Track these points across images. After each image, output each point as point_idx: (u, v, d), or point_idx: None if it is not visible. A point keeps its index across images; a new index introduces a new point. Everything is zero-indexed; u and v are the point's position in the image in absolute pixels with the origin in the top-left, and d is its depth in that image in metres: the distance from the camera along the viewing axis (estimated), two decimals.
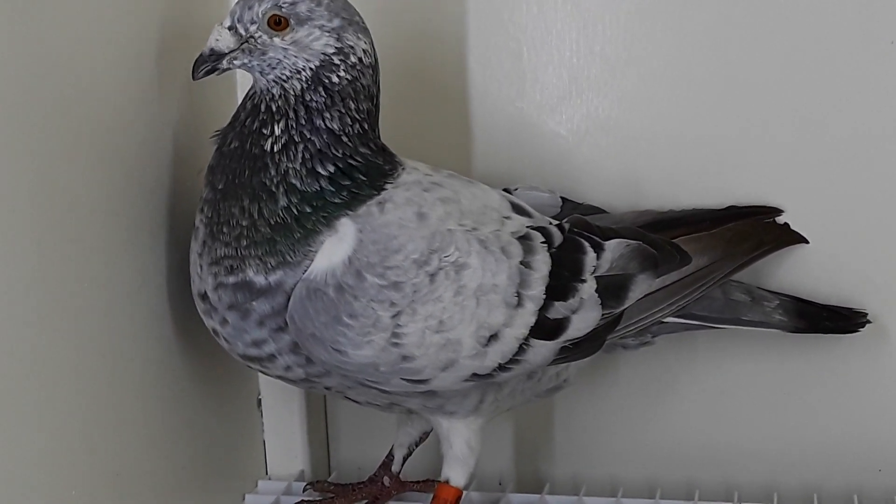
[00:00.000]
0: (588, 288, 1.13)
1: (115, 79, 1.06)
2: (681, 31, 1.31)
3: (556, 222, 1.18)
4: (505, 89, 1.35)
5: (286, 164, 1.07)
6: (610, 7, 1.31)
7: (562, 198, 1.27)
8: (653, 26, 1.31)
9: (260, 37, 1.07)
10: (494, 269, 1.09)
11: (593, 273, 1.14)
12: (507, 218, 1.15)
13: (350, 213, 1.07)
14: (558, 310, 1.12)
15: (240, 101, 1.12)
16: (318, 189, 1.07)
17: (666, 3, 1.31)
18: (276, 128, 1.07)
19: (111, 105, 1.05)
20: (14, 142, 0.90)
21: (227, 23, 1.07)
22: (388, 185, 1.10)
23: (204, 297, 1.10)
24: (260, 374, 1.25)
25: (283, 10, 1.06)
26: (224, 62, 1.07)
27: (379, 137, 1.12)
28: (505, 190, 1.23)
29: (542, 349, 1.12)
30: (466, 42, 1.34)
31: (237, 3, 1.08)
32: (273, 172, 1.07)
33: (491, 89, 1.35)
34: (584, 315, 1.13)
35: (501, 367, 1.11)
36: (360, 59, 1.08)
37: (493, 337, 1.09)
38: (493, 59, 1.34)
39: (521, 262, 1.10)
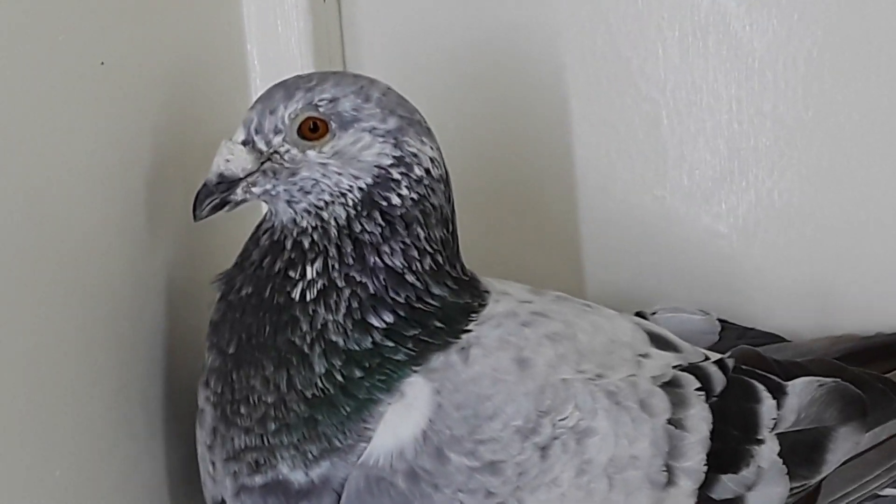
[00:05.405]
0: (768, 451, 1.10)
1: (100, 212, 1.05)
2: (887, 78, 1.30)
3: (716, 357, 1.15)
4: (637, 172, 1.33)
5: (324, 317, 1.03)
6: (784, 48, 1.30)
7: (720, 321, 1.26)
8: (848, 74, 1.30)
9: (287, 151, 1.03)
10: (632, 433, 1.06)
11: (773, 429, 1.11)
12: (645, 356, 1.11)
13: (420, 367, 1.03)
14: (727, 486, 1.08)
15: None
16: (371, 346, 1.03)
17: (864, 39, 1.29)
18: (308, 269, 1.04)
19: (94, 246, 1.04)
20: None
21: (241, 136, 1.04)
22: (471, 324, 1.06)
23: None
24: None
25: (321, 109, 1.03)
26: (238, 192, 1.03)
27: (463, 270, 1.10)
28: (638, 314, 1.22)
29: None
30: (570, 108, 1.32)
31: (253, 107, 1.05)
32: (305, 328, 1.03)
33: (616, 173, 1.33)
34: (764, 491, 1.10)
35: None
36: (427, 171, 1.05)
37: None
38: (620, 128, 1.33)
39: (670, 421, 1.07)
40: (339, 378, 1.03)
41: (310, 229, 1.04)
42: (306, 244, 1.04)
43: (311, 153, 1.03)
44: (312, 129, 1.03)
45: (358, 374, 1.03)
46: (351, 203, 1.04)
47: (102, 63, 1.04)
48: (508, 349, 1.05)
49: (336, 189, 1.04)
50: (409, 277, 1.05)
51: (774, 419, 1.10)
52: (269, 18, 1.27)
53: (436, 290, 1.06)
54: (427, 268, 1.05)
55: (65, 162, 1.00)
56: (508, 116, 1.33)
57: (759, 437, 1.09)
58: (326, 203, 1.04)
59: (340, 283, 1.04)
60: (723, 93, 1.31)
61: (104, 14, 1.05)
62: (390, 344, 1.03)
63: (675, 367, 1.10)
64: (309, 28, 1.27)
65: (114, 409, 1.07)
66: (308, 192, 1.04)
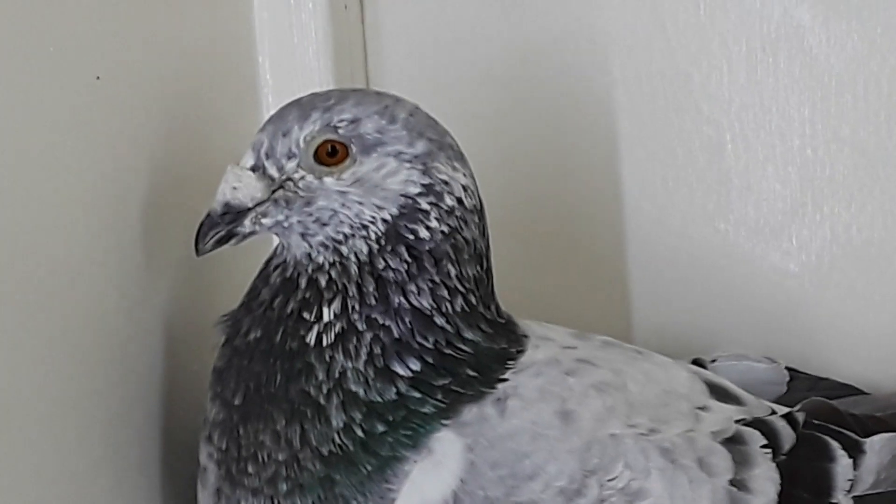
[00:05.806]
0: None
1: (91, 244, 1.03)
2: None
3: (784, 411, 1.12)
4: (697, 202, 1.32)
5: (342, 364, 1.01)
6: (865, 66, 1.28)
7: (789, 370, 1.24)
8: None
9: (302, 178, 1.01)
10: (689, 495, 1.03)
11: (849, 492, 1.08)
12: (704, 409, 1.09)
13: (450, 421, 1.01)
14: None
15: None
16: (396, 397, 1.01)
17: None
18: (325, 311, 1.02)
19: (83, 283, 1.02)
20: None
21: (250, 161, 1.02)
22: (507, 372, 1.04)
23: None
24: None
25: (341, 132, 1.01)
26: (246, 223, 1.01)
27: (498, 312, 1.08)
28: (695, 362, 1.20)
29: None
30: (619, 129, 1.30)
31: (263, 129, 1.03)
32: (321, 376, 1.01)
33: (672, 204, 1.32)
34: None
35: None
36: (459, 201, 1.03)
37: None
38: (678, 153, 1.31)
39: (732, 482, 1.04)
40: (360, 433, 1.01)
41: (327, 266, 1.03)
42: (323, 282, 1.03)
43: (329, 180, 1.01)
44: (330, 154, 1.01)
45: (380, 428, 1.01)
46: (374, 236, 1.02)
47: (98, 77, 1.02)
48: (550, 401, 1.02)
49: (357, 221, 1.02)
50: (439, 320, 1.03)
51: (850, 480, 1.07)
52: (284, 27, 1.26)
53: (468, 335, 1.04)
54: (458, 309, 1.04)
55: (51, 188, 0.98)
56: (550, 139, 1.33)
57: (833, 501, 1.06)
58: (346, 236, 1.02)
59: (361, 327, 1.02)
60: (795, 115, 1.29)
61: (99, 23, 1.04)
62: (417, 395, 1.02)
63: (737, 421, 1.07)
64: (328, 38, 1.27)
65: (105, 468, 1.05)
66: (325, 224, 1.02)
